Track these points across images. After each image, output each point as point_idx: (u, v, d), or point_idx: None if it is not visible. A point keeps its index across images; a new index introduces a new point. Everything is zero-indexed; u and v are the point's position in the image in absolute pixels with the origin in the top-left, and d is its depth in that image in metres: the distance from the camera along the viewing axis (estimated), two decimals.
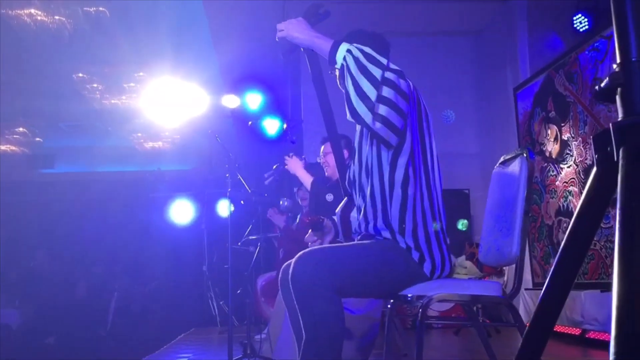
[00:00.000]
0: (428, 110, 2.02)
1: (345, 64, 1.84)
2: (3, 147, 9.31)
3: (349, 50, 1.85)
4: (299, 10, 2.06)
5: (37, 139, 9.30)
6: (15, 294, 6.84)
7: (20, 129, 9.05)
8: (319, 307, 1.77)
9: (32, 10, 6.04)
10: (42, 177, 9.62)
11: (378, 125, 1.80)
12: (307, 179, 3.66)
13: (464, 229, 5.83)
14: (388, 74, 1.81)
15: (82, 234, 8.12)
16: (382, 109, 1.79)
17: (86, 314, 6.69)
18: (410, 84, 1.96)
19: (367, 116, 1.80)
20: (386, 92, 1.80)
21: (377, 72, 1.80)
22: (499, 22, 6.08)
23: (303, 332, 1.79)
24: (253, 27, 5.98)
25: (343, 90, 1.87)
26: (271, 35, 2.05)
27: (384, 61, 1.83)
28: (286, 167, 3.71)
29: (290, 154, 3.70)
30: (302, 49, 2.03)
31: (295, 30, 1.97)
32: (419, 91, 2.01)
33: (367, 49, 1.86)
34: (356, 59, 1.82)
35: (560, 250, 0.88)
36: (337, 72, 1.94)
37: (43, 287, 6.98)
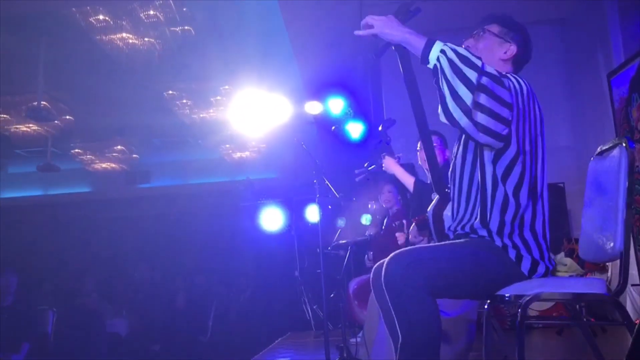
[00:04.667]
0: (540, 108, 1.96)
1: (439, 65, 1.81)
2: (104, 165, 9.89)
3: (442, 51, 1.81)
4: (375, 12, 2.04)
5: (134, 155, 9.80)
6: (122, 305, 7.23)
7: (118, 147, 9.57)
8: (413, 308, 1.75)
9: (124, 35, 6.39)
10: (139, 192, 10.12)
11: (477, 132, 1.76)
12: (407, 179, 3.60)
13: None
14: (484, 79, 1.75)
15: (178, 245, 8.48)
16: (481, 118, 1.75)
17: (187, 321, 6.97)
18: (518, 84, 1.90)
19: (462, 120, 1.75)
20: (483, 99, 1.75)
21: (472, 75, 1.75)
22: (587, 7, 5.81)
23: (399, 333, 1.77)
24: (331, 32, 6.04)
25: (437, 89, 1.83)
26: (349, 40, 2.06)
27: (479, 63, 1.77)
28: (383, 168, 3.67)
29: (383, 154, 3.67)
30: (393, 47, 2.00)
31: (386, 26, 1.94)
32: (533, 91, 1.95)
33: (462, 50, 1.81)
34: (450, 61, 1.78)
35: None
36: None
37: (146, 297, 7.33)
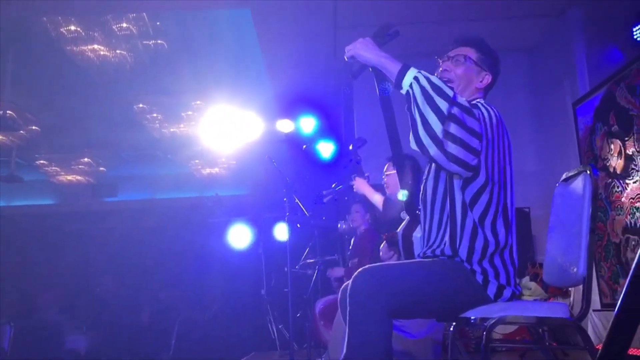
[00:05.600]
0: (509, 136, 1.99)
1: (411, 91, 1.83)
2: (69, 177, 9.70)
3: (416, 78, 1.84)
4: (348, 36, 2.08)
5: (101, 168, 9.65)
6: (82, 320, 7.05)
7: (85, 159, 9.41)
8: (371, 327, 1.75)
9: (95, 46, 6.32)
10: (106, 206, 9.95)
11: (446, 161, 1.78)
12: (377, 198, 3.64)
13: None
14: (454, 109, 1.78)
15: (144, 260, 8.34)
16: (452, 147, 1.77)
17: (150, 339, 6.83)
18: (488, 112, 1.93)
19: (431, 148, 1.78)
20: (454, 129, 1.77)
21: (443, 105, 1.77)
22: (554, 37, 5.97)
23: (344, 348, 1.76)
24: (305, 53, 6.08)
25: (408, 115, 1.86)
26: (323, 60, 2.09)
27: (451, 93, 1.80)
28: (354, 189, 3.70)
29: (353, 175, 3.70)
30: (370, 69, 2.03)
31: (362, 49, 1.98)
32: (502, 119, 1.98)
33: (435, 79, 1.84)
34: (422, 88, 1.81)
35: (632, 269, 0.85)
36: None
37: (109, 312, 7.17)
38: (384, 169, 3.58)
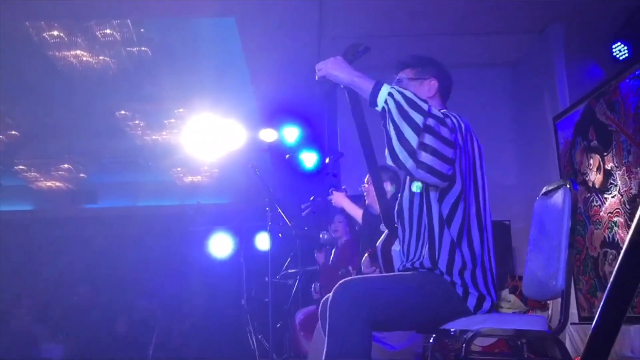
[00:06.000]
0: (480, 146, 2.01)
1: (386, 107, 1.83)
2: (48, 183, 9.58)
3: (390, 94, 1.84)
4: (333, 46, 2.09)
5: (81, 175, 9.55)
6: (58, 329, 6.95)
7: (65, 165, 9.31)
8: (350, 338, 1.74)
9: (78, 52, 6.27)
10: (85, 213, 9.84)
11: (421, 173, 1.78)
12: (355, 211, 3.63)
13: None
14: (430, 121, 1.79)
15: (123, 268, 8.25)
16: (426, 157, 1.78)
17: (127, 348, 6.75)
18: (459, 122, 1.94)
19: (407, 162, 1.78)
20: (428, 139, 1.78)
21: (418, 119, 1.78)
22: (535, 52, 6.05)
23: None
24: (289, 62, 6.08)
25: (384, 131, 1.86)
26: (307, 70, 2.09)
27: (425, 107, 1.81)
28: (332, 203, 3.69)
29: (331, 189, 3.70)
30: (342, 86, 2.03)
31: (334, 68, 1.97)
32: (470, 127, 2.00)
33: (409, 93, 1.84)
34: (397, 103, 1.81)
35: (609, 284, 0.86)
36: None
37: (85, 321, 7.08)
38: (365, 179, 3.59)
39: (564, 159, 5.15)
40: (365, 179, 3.58)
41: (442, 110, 2.01)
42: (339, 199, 3.66)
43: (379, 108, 1.87)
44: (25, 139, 7.97)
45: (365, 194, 3.55)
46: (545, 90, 5.83)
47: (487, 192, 2.00)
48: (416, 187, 1.93)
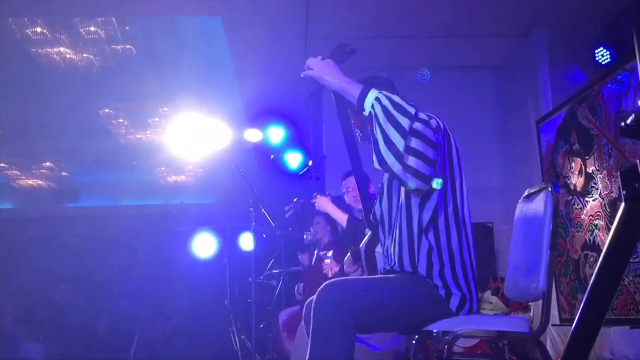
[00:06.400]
0: (458, 147, 2.02)
1: (373, 112, 1.84)
2: (30, 182, 9.48)
3: (377, 99, 1.85)
4: (319, 47, 2.08)
5: (63, 173, 9.45)
6: (39, 329, 6.87)
7: (47, 163, 9.21)
8: (334, 340, 1.75)
9: (62, 49, 6.21)
10: (67, 212, 9.74)
11: (407, 176, 1.79)
12: (340, 216, 3.62)
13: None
14: (416, 125, 1.80)
15: (105, 268, 8.18)
16: (412, 161, 1.79)
17: (109, 348, 6.69)
18: (440, 123, 1.96)
19: (394, 166, 1.79)
20: (415, 143, 1.79)
21: (405, 122, 1.79)
22: (520, 56, 6.10)
23: None
24: (275, 62, 6.07)
25: (371, 136, 1.86)
26: (293, 70, 2.08)
27: (412, 110, 1.82)
28: (316, 207, 3.68)
29: (315, 194, 3.69)
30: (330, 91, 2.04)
31: (325, 72, 1.97)
32: (448, 128, 2.01)
33: (396, 98, 1.85)
34: (384, 108, 1.82)
35: (589, 286, 0.87)
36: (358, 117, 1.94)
37: (66, 321, 7.00)
38: (343, 185, 3.60)
39: (547, 162, 5.20)
40: (343, 185, 3.58)
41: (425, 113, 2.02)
42: (323, 203, 3.65)
43: (366, 113, 1.87)
44: (7, 137, 7.86)
45: (348, 200, 3.54)
46: (528, 94, 5.89)
47: (465, 190, 2.02)
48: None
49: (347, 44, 2.06)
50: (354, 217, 3.56)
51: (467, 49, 6.12)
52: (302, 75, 2.01)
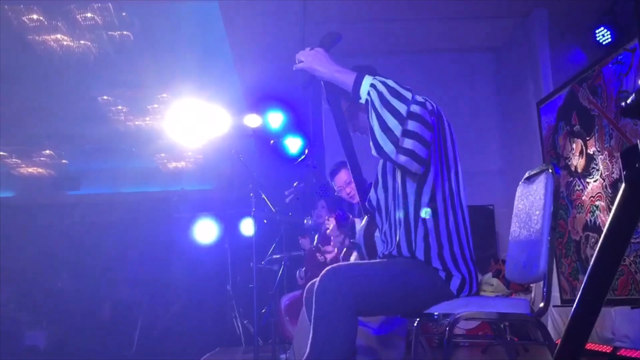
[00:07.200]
0: (452, 128, 2.01)
1: (369, 99, 1.81)
2: (30, 170, 9.47)
3: (372, 85, 1.82)
4: (317, 31, 2.07)
5: (63, 161, 9.44)
6: (42, 316, 6.91)
7: (47, 151, 9.20)
8: (336, 325, 1.76)
9: (59, 36, 6.17)
10: (68, 199, 9.74)
11: (403, 158, 1.77)
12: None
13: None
14: (414, 108, 1.78)
15: (107, 254, 8.21)
16: (408, 143, 1.77)
17: (112, 335, 6.74)
18: (434, 106, 1.95)
19: (392, 153, 1.77)
20: (412, 125, 1.77)
21: (402, 108, 1.77)
22: (519, 37, 6.06)
23: (308, 347, 1.76)
24: (273, 47, 6.04)
25: (368, 124, 1.84)
26: (291, 56, 2.06)
27: (409, 95, 1.80)
28: (328, 233, 3.64)
29: (327, 217, 3.54)
30: (322, 81, 2.02)
31: (316, 62, 1.95)
32: (442, 110, 2.00)
33: (391, 83, 1.82)
34: (380, 94, 1.79)
35: (590, 267, 0.86)
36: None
37: (69, 308, 7.05)
38: (335, 184, 3.56)
39: (547, 143, 5.19)
40: (335, 185, 3.54)
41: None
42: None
43: (362, 101, 1.85)
44: (6, 125, 7.85)
45: (350, 197, 3.51)
46: (528, 75, 5.85)
47: (460, 173, 2.01)
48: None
49: (335, 32, 2.03)
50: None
51: (466, 31, 6.08)
52: (293, 69, 1.99)
